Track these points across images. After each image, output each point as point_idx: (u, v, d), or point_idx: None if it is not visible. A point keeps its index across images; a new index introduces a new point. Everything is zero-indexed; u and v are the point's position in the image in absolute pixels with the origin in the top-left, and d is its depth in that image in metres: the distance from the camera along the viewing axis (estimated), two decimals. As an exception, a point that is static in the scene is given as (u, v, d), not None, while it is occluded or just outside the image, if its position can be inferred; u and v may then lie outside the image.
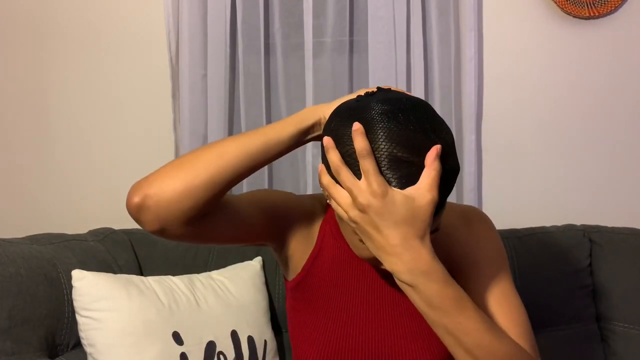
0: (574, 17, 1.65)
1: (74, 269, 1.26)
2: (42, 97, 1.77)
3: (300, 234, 0.90)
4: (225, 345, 1.29)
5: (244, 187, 1.69)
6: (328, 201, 0.75)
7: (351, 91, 1.69)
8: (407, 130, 0.69)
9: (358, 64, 1.69)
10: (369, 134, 0.69)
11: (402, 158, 0.68)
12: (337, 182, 0.72)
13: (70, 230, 1.44)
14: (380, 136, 0.69)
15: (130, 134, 1.75)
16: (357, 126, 0.69)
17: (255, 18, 1.65)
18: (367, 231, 0.69)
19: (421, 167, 0.69)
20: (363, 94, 0.77)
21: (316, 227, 0.91)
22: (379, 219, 0.68)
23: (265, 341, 1.37)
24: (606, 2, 1.62)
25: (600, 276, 1.47)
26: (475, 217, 0.92)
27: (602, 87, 1.67)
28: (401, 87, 1.63)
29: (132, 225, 1.60)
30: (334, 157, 0.70)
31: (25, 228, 1.45)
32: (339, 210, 0.72)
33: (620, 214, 1.63)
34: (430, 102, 1.66)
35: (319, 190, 1.66)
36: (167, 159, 1.72)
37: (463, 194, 1.66)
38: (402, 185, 0.68)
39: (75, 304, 1.24)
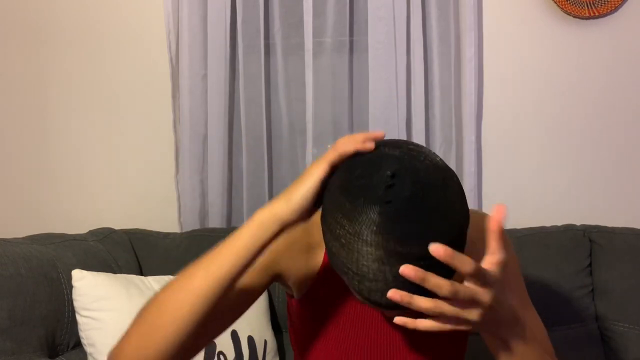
0: (574, 17, 1.65)
1: (74, 269, 1.26)
2: (42, 97, 1.77)
3: (301, 262, 0.87)
4: (225, 345, 1.29)
5: (244, 197, 1.69)
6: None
7: (351, 91, 1.69)
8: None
9: (358, 64, 1.69)
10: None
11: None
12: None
13: (70, 230, 1.44)
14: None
15: (130, 134, 1.75)
16: (437, 248, 0.60)
17: (255, 18, 1.65)
18: (490, 321, 0.66)
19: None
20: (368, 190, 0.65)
21: (318, 247, 0.88)
22: (497, 304, 0.65)
23: (265, 341, 1.37)
24: (606, 2, 1.62)
25: (600, 276, 1.47)
26: None
27: (602, 87, 1.67)
28: (401, 87, 1.63)
29: (132, 225, 1.62)
30: (440, 280, 0.61)
31: (25, 228, 1.45)
32: (463, 326, 0.65)
33: (620, 214, 1.63)
34: (430, 102, 1.66)
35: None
36: (167, 159, 1.74)
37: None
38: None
39: (75, 304, 1.24)
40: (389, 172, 0.65)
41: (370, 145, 0.69)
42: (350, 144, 0.69)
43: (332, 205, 0.67)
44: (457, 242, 0.65)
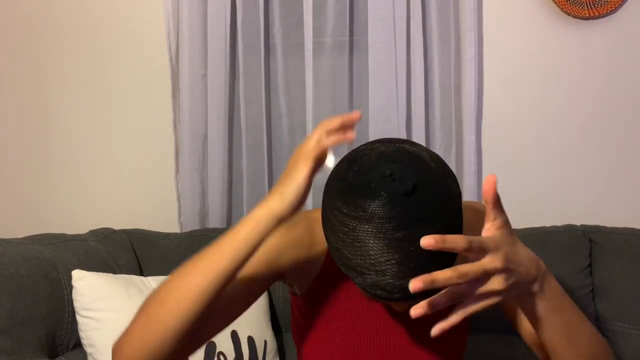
0: (574, 17, 1.65)
1: (74, 269, 1.27)
2: (42, 98, 1.77)
3: (303, 261, 0.87)
4: (225, 346, 1.29)
5: (244, 197, 1.69)
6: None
7: (351, 91, 1.69)
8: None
9: (358, 64, 1.69)
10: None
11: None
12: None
13: (70, 230, 1.44)
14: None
15: (130, 134, 1.75)
16: (427, 240, 0.60)
17: (255, 18, 1.65)
18: (516, 282, 0.67)
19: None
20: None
21: (320, 243, 0.88)
22: (512, 263, 0.67)
23: (265, 341, 1.37)
24: (606, 2, 1.62)
25: (600, 276, 1.47)
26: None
27: (602, 87, 1.67)
28: (401, 88, 1.63)
29: (132, 225, 1.61)
30: (445, 274, 0.61)
31: (25, 228, 1.45)
32: (492, 299, 0.65)
33: (620, 214, 1.63)
34: (430, 102, 1.66)
35: (320, 192, 1.66)
36: (167, 159, 1.75)
37: (463, 195, 1.66)
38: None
39: (75, 304, 1.24)
40: (388, 171, 0.67)
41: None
42: (332, 138, 0.71)
43: (336, 208, 0.68)
44: (458, 219, 0.69)
